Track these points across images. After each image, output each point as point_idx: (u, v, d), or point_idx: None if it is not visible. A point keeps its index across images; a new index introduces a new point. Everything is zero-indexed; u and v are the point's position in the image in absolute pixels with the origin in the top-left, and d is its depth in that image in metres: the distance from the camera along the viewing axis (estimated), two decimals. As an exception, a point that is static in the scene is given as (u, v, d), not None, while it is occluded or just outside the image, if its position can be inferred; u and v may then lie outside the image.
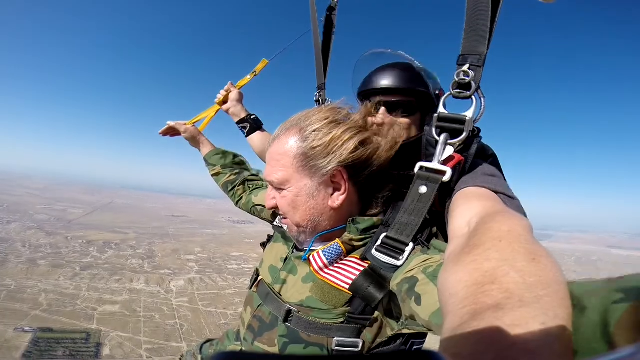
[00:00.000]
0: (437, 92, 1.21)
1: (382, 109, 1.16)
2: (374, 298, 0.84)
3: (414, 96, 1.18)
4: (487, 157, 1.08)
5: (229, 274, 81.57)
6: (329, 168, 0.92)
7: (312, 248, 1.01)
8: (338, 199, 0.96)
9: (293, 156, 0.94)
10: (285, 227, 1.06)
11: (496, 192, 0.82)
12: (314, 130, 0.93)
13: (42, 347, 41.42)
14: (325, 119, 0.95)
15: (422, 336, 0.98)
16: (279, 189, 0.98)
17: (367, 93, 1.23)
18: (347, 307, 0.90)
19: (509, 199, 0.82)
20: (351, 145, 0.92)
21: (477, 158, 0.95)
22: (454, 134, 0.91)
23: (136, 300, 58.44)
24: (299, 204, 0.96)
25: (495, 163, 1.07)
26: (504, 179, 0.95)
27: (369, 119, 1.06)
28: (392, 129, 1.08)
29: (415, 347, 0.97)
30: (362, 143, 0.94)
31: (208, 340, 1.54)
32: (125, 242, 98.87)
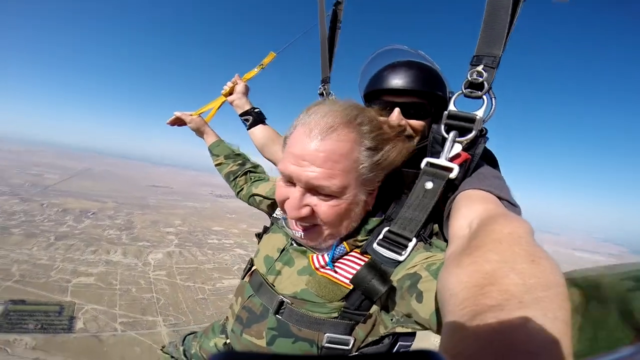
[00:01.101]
0: (450, 95, 1.20)
1: (397, 110, 1.15)
2: (377, 291, 0.80)
3: (428, 98, 1.17)
4: (489, 158, 1.07)
5: (209, 249, 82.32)
6: (381, 177, 0.91)
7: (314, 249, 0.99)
8: (371, 202, 0.94)
9: (361, 162, 0.85)
10: (297, 233, 0.93)
11: (500, 198, 0.82)
12: (384, 140, 0.89)
13: (14, 320, 41.46)
14: (379, 127, 0.90)
15: (410, 337, 0.95)
16: (329, 195, 0.85)
17: (380, 92, 1.20)
18: (343, 301, 0.88)
19: (512, 206, 0.82)
20: (402, 157, 0.93)
21: (481, 159, 0.95)
22: (462, 132, 0.91)
23: (112, 273, 58.61)
24: (350, 214, 0.89)
25: (497, 166, 1.08)
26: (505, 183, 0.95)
27: (382, 118, 1.05)
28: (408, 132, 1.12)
29: (402, 349, 0.95)
30: None
31: (191, 333, 1.57)
32: (103, 211, 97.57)
